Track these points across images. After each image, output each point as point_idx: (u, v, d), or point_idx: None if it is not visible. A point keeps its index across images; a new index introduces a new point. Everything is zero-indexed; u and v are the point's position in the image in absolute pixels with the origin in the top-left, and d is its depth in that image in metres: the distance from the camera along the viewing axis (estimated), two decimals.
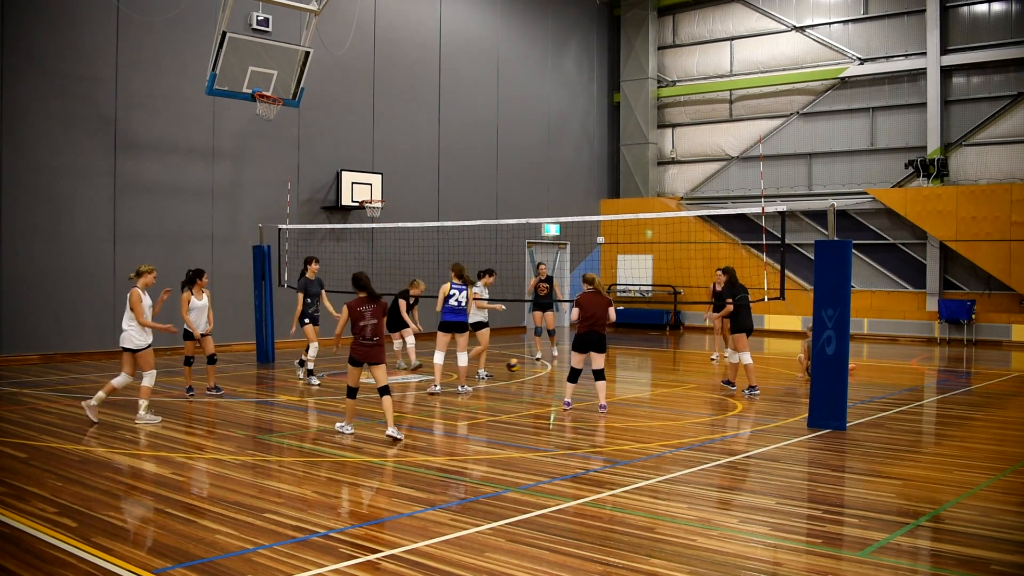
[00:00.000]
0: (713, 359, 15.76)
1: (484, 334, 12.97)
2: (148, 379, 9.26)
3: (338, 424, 8.92)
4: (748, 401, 11.16)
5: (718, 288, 13.99)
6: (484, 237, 19.14)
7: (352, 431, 8.73)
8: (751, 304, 11.85)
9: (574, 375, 10.40)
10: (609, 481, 6.94)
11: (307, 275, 12.51)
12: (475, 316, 12.65)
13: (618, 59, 26.39)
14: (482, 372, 13.18)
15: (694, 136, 25.57)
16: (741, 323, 11.70)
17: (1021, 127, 20.46)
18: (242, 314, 16.33)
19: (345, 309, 8.59)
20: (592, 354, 10.19)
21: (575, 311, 10.26)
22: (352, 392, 8.74)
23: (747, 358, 11.60)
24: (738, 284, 11.86)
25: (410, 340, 14.03)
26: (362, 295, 8.65)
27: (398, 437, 8.32)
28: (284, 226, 15.99)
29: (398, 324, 13.92)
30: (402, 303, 13.78)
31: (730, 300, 11.71)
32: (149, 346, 9.25)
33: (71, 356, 14.76)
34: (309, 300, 12.38)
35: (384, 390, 8.56)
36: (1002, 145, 20.68)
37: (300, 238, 17.57)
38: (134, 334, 9.14)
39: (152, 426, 9.06)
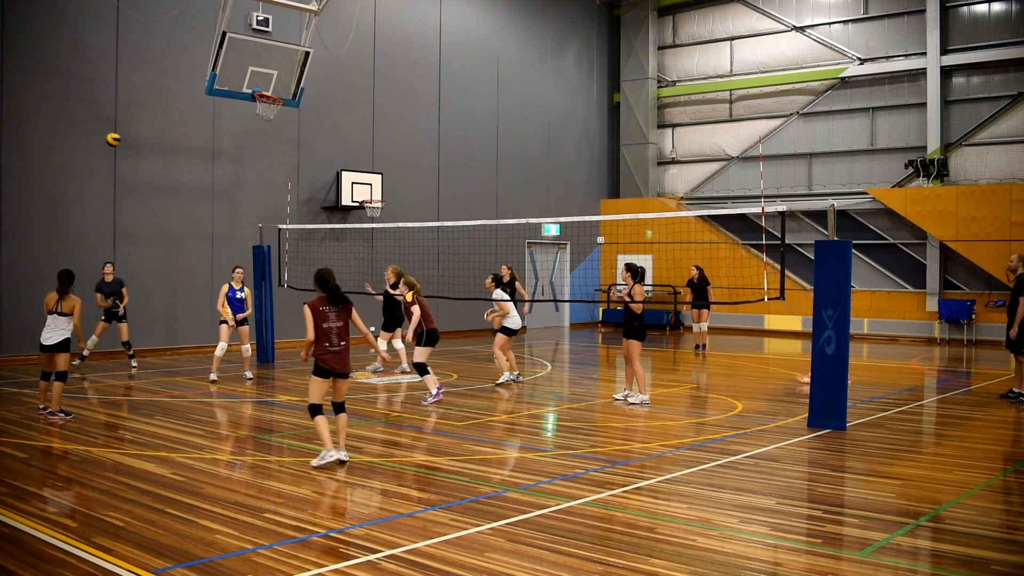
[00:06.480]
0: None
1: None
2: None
3: (320, 458, 7.31)
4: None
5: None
6: (484, 237, 19.13)
7: (337, 456, 7.29)
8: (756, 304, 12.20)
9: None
10: (609, 481, 6.94)
11: (104, 278, 13.54)
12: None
13: (618, 59, 26.37)
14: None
15: (694, 136, 25.56)
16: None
17: (1021, 127, 20.45)
18: None
19: (306, 309, 7.29)
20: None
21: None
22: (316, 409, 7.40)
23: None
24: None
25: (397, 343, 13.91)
26: (323, 295, 7.43)
27: (345, 460, 7.35)
28: (284, 226, 15.98)
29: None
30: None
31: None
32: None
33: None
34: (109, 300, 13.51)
35: (340, 406, 7.53)
36: (1002, 145, 20.66)
37: (300, 238, 17.57)
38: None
39: None
